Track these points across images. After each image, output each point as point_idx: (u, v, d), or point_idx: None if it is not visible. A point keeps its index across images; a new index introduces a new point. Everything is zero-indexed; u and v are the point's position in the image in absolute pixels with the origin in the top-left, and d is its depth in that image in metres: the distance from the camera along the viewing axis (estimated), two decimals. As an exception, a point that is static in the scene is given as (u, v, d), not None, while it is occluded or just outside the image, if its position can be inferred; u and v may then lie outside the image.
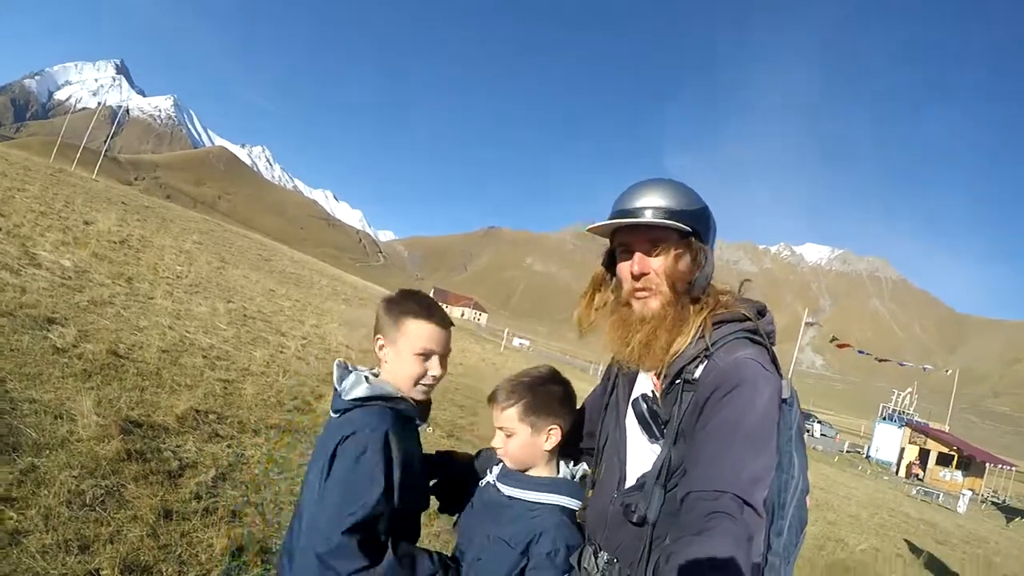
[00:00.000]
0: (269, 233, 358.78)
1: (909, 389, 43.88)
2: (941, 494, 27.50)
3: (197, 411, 4.92)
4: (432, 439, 6.98)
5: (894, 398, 43.69)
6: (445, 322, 1.64)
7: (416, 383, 1.61)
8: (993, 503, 31.18)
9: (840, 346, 40.53)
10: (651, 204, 1.40)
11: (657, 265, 1.42)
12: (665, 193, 1.42)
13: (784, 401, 1.32)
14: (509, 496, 1.61)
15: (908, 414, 42.12)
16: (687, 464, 1.25)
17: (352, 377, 1.59)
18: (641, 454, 1.44)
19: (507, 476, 1.64)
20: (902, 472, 36.91)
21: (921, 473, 35.74)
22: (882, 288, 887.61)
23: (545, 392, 1.66)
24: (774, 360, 1.35)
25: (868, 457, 40.94)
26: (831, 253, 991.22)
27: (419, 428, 1.67)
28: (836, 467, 29.68)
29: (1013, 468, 40.82)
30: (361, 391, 1.55)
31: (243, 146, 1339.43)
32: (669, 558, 1.07)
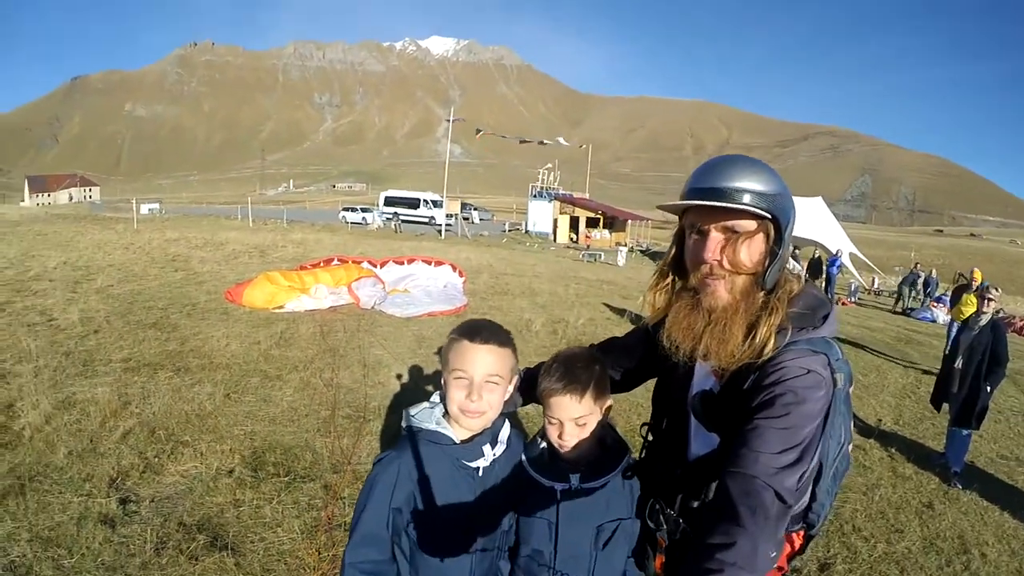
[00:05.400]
0: None
1: (549, 165, 48.23)
2: (602, 253, 31.59)
3: None
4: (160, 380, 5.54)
5: (540, 176, 48.28)
6: (489, 341, 1.52)
7: (459, 410, 1.51)
8: (641, 251, 38.15)
9: (489, 135, 44.62)
10: (743, 187, 1.30)
11: (732, 251, 1.33)
12: (754, 175, 1.32)
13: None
14: (601, 485, 1.60)
15: (554, 188, 47.28)
16: (730, 448, 1.24)
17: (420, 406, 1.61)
18: (702, 436, 1.47)
19: (588, 476, 1.60)
20: (560, 240, 42.28)
21: (588, 243, 40.40)
22: (508, 74, 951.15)
23: (600, 367, 1.64)
24: (830, 361, 1.32)
25: (528, 232, 45.56)
26: (457, 45, 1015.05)
27: (467, 462, 1.54)
28: (508, 247, 31.82)
29: (649, 220, 50.51)
30: (403, 421, 1.60)
31: None
32: (699, 539, 1.12)
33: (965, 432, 5.57)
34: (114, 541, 3.24)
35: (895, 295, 22.41)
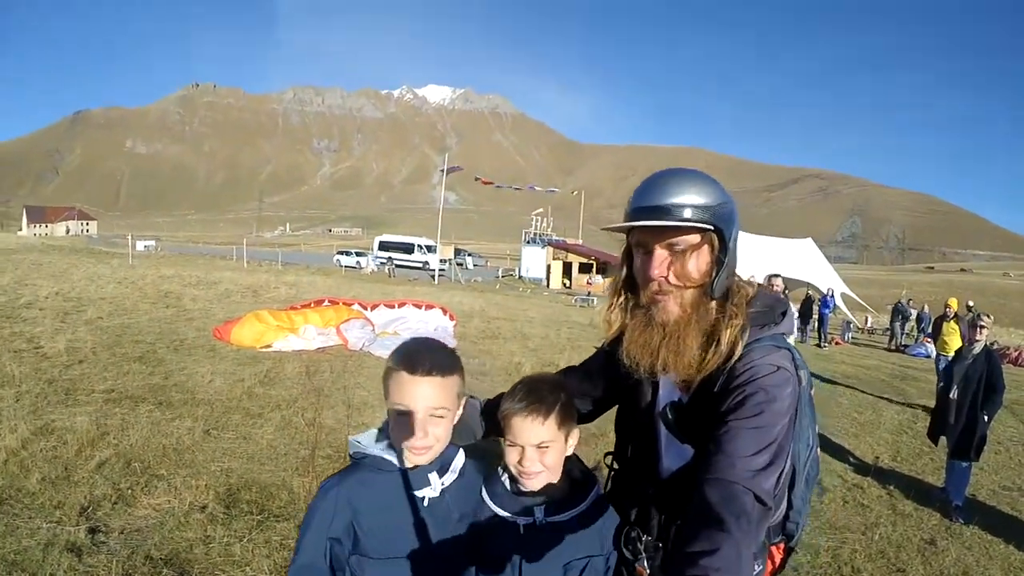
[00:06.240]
0: None
1: (539, 210, 49.51)
2: (595, 298, 31.24)
3: None
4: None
5: (533, 223, 49.31)
6: (432, 372, 1.38)
7: (403, 443, 1.40)
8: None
9: (485, 183, 45.71)
10: (684, 202, 1.31)
11: (679, 266, 1.34)
12: (694, 188, 1.32)
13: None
14: (568, 520, 1.52)
15: (547, 235, 48.34)
16: (705, 454, 1.25)
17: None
18: (674, 450, 1.46)
19: (553, 510, 1.51)
20: (554, 285, 43.00)
21: (589, 290, 39.14)
22: (503, 122, 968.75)
23: (565, 394, 1.57)
24: (794, 357, 1.37)
25: (521, 277, 46.00)
26: (453, 93, 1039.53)
27: (413, 491, 1.43)
28: (501, 293, 32.25)
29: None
30: (349, 448, 1.52)
31: None
32: (680, 548, 1.09)
33: (964, 464, 5.46)
34: (79, 570, 3.11)
35: (888, 332, 22.59)
